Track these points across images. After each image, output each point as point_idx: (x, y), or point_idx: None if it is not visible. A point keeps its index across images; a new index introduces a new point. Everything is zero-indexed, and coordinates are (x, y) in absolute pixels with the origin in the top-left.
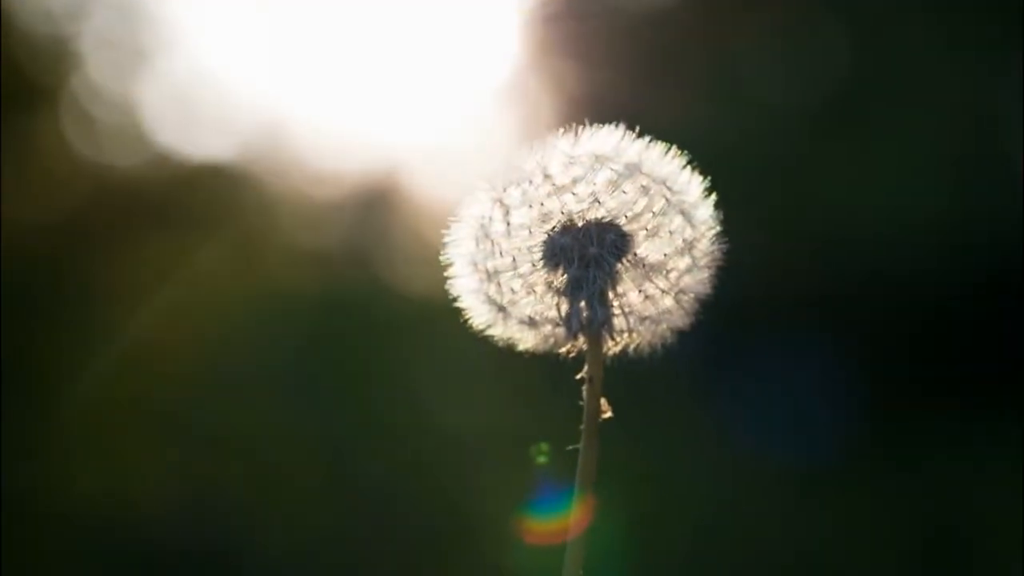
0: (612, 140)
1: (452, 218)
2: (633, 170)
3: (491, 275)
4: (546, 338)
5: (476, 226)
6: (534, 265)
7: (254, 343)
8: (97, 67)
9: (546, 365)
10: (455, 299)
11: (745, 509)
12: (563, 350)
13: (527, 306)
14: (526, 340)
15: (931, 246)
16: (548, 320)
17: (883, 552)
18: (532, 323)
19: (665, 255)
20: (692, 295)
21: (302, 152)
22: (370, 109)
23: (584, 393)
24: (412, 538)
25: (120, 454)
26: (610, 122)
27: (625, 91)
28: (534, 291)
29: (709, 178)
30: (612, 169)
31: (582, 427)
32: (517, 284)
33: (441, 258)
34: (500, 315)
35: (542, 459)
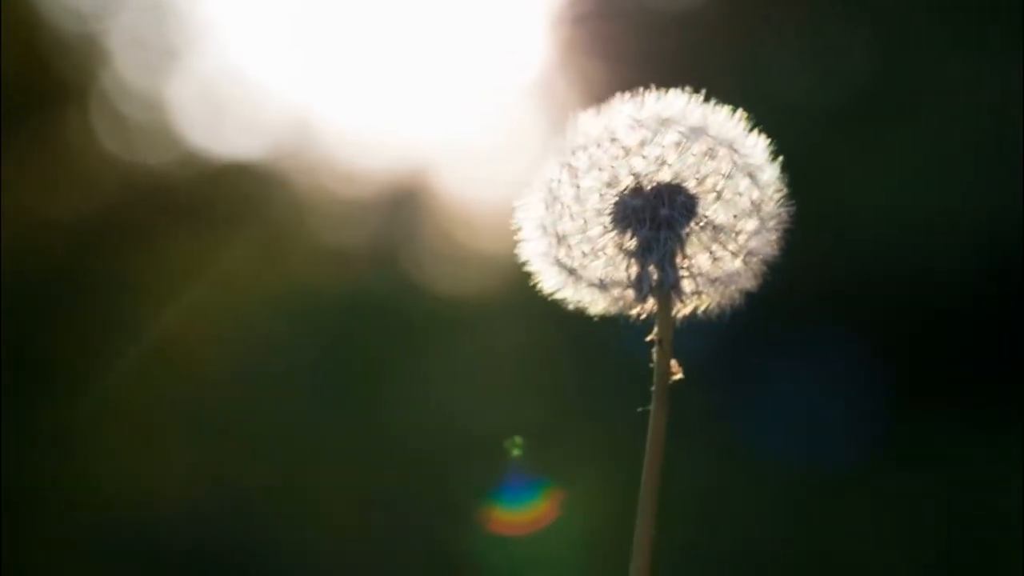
0: (677, 103)
1: (523, 185)
2: (699, 132)
3: (561, 239)
4: (616, 301)
5: (545, 190)
6: (604, 228)
7: (279, 341)
8: (126, 65)
9: (572, 365)
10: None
11: (763, 510)
12: (633, 313)
13: (597, 269)
14: (596, 303)
15: (953, 245)
16: (618, 283)
17: (905, 554)
18: (602, 286)
19: (733, 217)
20: (760, 257)
21: (330, 151)
22: (398, 108)
23: (654, 355)
24: (432, 539)
25: (142, 452)
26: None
27: (651, 90)
28: (604, 254)
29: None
30: (678, 132)
31: (652, 389)
32: (587, 247)
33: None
34: (570, 279)
35: (516, 452)
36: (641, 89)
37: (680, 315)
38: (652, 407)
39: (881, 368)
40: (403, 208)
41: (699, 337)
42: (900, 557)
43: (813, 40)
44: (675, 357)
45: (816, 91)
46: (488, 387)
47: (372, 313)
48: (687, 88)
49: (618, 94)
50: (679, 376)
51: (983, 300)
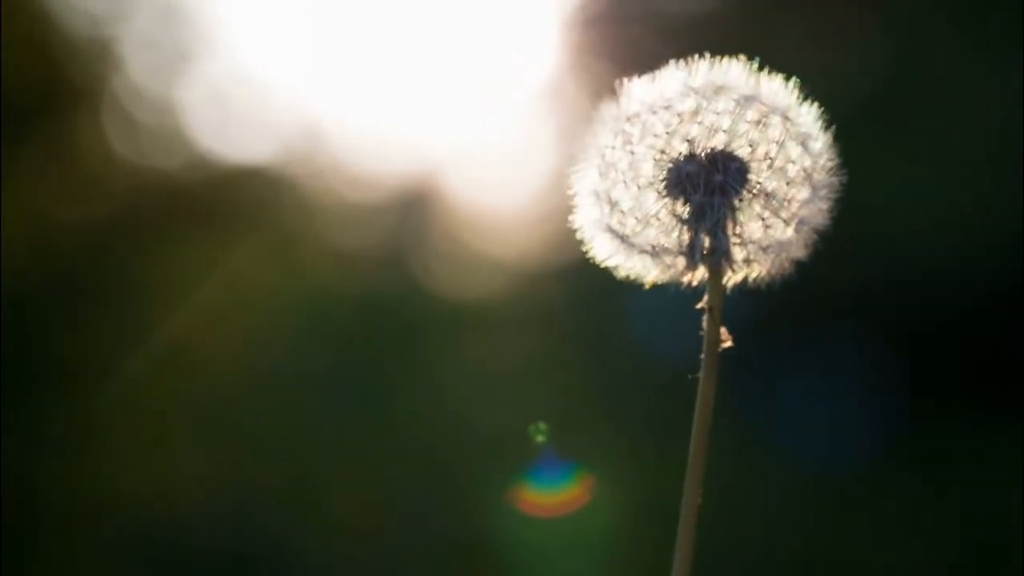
0: (731, 71)
1: (577, 151)
2: (752, 100)
3: (614, 205)
4: (667, 268)
5: (599, 157)
6: (658, 194)
7: (290, 344)
8: (138, 69)
9: (579, 365)
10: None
11: (773, 510)
12: (684, 280)
13: (650, 236)
14: (648, 271)
15: (966, 246)
16: (670, 250)
17: (917, 556)
18: (654, 253)
19: (785, 185)
20: (811, 226)
21: (340, 155)
22: (408, 112)
23: (704, 323)
24: (447, 542)
25: (156, 454)
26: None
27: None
28: (657, 220)
29: None
30: (732, 99)
31: (702, 356)
32: (640, 214)
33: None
34: (622, 246)
35: (540, 438)
36: (695, 56)
37: (730, 283)
38: (701, 375)
39: (893, 369)
40: (413, 211)
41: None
42: (912, 558)
43: (823, 44)
44: (723, 326)
45: (827, 94)
46: (497, 388)
47: (382, 316)
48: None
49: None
50: (728, 344)
51: (996, 301)
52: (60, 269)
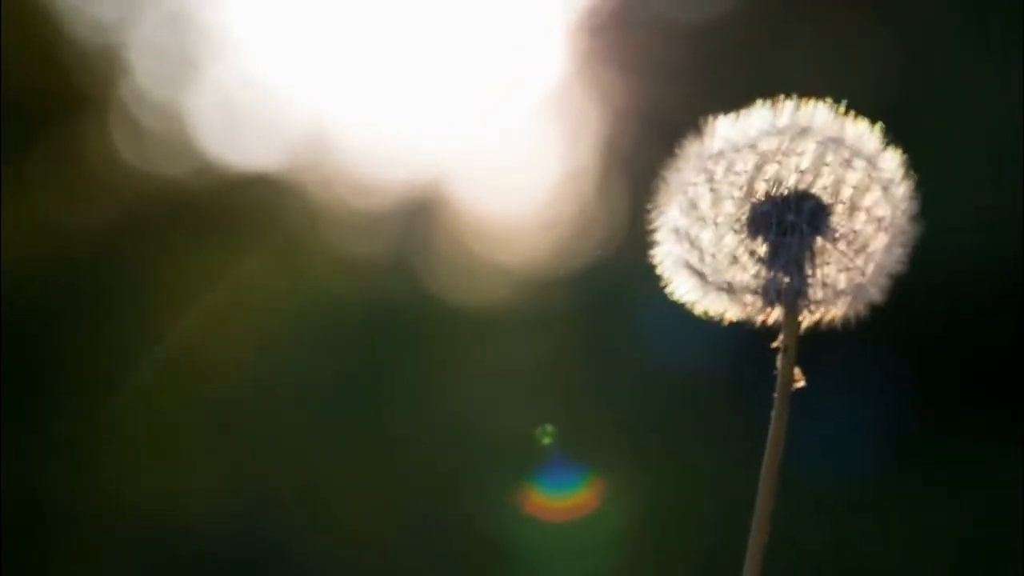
0: (817, 113)
1: (660, 185)
2: (836, 143)
3: (694, 242)
4: (744, 307)
5: (681, 194)
6: (737, 233)
7: (297, 351)
8: (145, 76)
9: (586, 372)
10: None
11: (786, 518)
12: (760, 319)
13: (728, 274)
14: (726, 309)
15: (980, 253)
16: (747, 289)
17: (930, 564)
18: (732, 291)
19: (864, 229)
20: (887, 271)
21: (346, 161)
22: (414, 119)
23: (778, 362)
24: (454, 548)
25: (162, 460)
26: (654, 132)
27: (671, 102)
28: (736, 259)
29: None
30: (815, 141)
31: (775, 395)
32: (719, 252)
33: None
34: (701, 283)
35: (547, 440)
36: (772, 98)
37: (805, 323)
38: (774, 414)
39: (902, 375)
40: (419, 218)
41: (721, 348)
42: (923, 565)
43: (832, 49)
44: (797, 365)
45: (836, 100)
46: (504, 394)
47: (388, 322)
48: (707, 95)
49: (639, 106)
50: (802, 383)
51: (1006, 307)
52: (65, 275)
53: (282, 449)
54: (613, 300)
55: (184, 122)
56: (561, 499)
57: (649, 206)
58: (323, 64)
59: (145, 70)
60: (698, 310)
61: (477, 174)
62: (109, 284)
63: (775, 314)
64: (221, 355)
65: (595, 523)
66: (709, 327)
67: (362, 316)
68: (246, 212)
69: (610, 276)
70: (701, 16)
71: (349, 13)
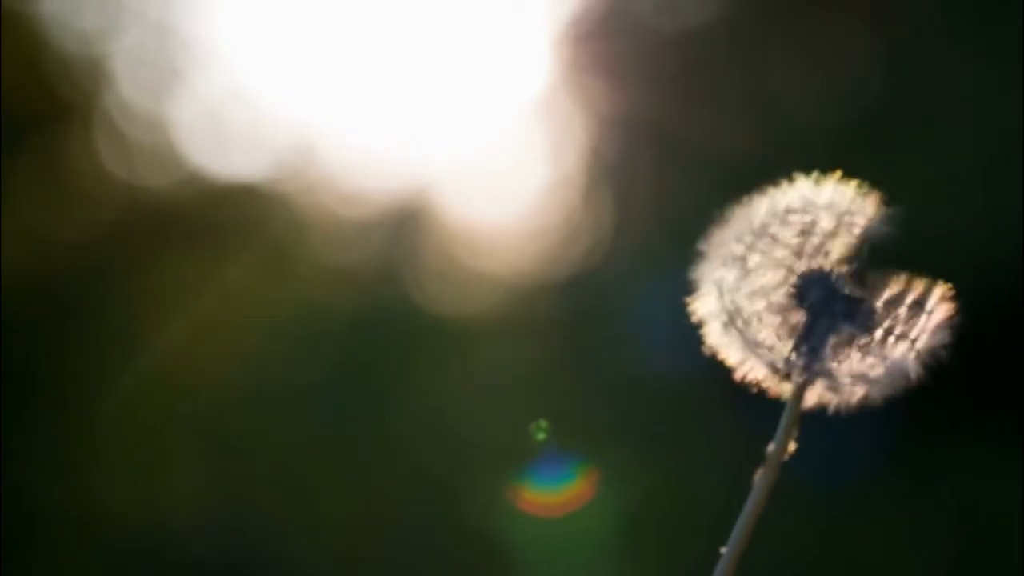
0: (848, 193)
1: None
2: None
3: (736, 307)
4: (768, 375)
5: (713, 279)
6: (765, 311)
7: (284, 360)
8: (130, 86)
9: (574, 381)
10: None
11: (775, 526)
12: (775, 390)
13: (759, 339)
14: (751, 371)
15: (969, 263)
16: (769, 359)
17: (925, 572)
18: (759, 355)
19: (895, 331)
20: (906, 371)
21: (333, 171)
22: (400, 128)
23: (775, 439)
24: (441, 560)
25: (150, 470)
26: (642, 139)
27: (657, 109)
28: (768, 327)
29: (739, 195)
30: (853, 227)
31: (760, 473)
32: (755, 317)
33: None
34: (735, 341)
35: (541, 436)
36: (759, 106)
37: (812, 404)
38: (759, 476)
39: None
40: (405, 227)
41: (707, 357)
42: (921, 574)
43: (820, 56)
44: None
45: (824, 109)
46: (491, 402)
47: (375, 331)
48: (693, 103)
49: (624, 113)
50: (792, 451)
51: (1006, 312)
52: (50, 284)
53: (269, 458)
54: (600, 307)
55: (169, 132)
56: (553, 495)
57: (690, 254)
58: (308, 73)
59: (129, 80)
60: (728, 363)
61: (463, 183)
62: (94, 294)
63: (787, 388)
64: (207, 364)
65: (584, 523)
66: (697, 334)
67: (348, 325)
68: (232, 222)
69: (597, 283)
70: (687, 24)
71: (334, 22)
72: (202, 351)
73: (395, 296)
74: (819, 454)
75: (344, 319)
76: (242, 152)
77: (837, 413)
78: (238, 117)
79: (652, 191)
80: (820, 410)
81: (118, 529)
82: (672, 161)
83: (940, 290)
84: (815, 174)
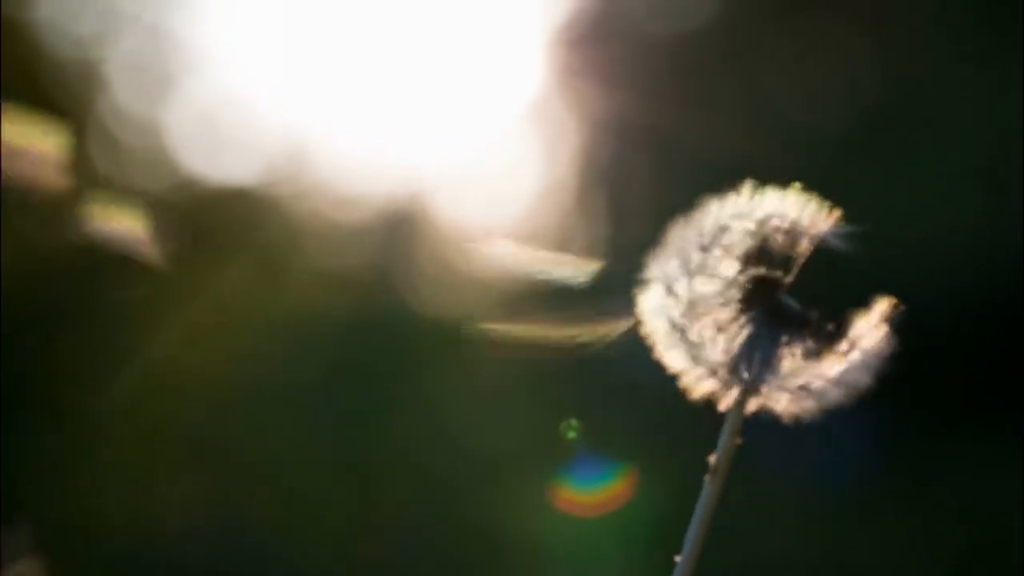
0: (803, 205)
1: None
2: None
3: (674, 328)
4: (704, 383)
5: (662, 284)
6: (710, 319)
7: (279, 366)
8: (124, 90)
9: (570, 386)
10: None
11: (768, 529)
12: (719, 401)
13: (704, 343)
14: (691, 374)
15: (969, 263)
16: (711, 366)
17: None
18: (698, 363)
19: (837, 334)
20: (852, 382)
21: (326, 175)
22: (394, 132)
23: (720, 441)
24: (440, 563)
25: (145, 474)
26: (637, 143)
27: (651, 113)
28: (705, 345)
29: (735, 199)
30: (802, 236)
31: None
32: (695, 336)
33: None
34: (679, 343)
35: (572, 435)
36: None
37: (756, 411)
38: (709, 479)
39: (891, 383)
40: (399, 231)
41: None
42: (920, 574)
43: (818, 59)
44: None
45: (821, 111)
46: (486, 407)
47: (370, 336)
48: (687, 106)
49: (618, 117)
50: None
51: (1004, 312)
52: (43, 292)
53: (263, 463)
54: (593, 311)
55: (163, 136)
56: (590, 495)
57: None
58: (302, 77)
59: (123, 85)
60: (667, 364)
61: (457, 187)
62: (87, 300)
63: (730, 398)
64: (201, 368)
65: (592, 529)
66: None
67: (343, 330)
68: (226, 226)
69: (590, 287)
70: (680, 28)
71: (328, 26)
72: (196, 355)
73: (390, 300)
74: (818, 455)
75: (338, 325)
76: (236, 156)
77: (818, 417)
78: (232, 121)
79: (647, 195)
80: (819, 410)
81: (114, 534)
82: (667, 165)
83: (885, 303)
84: (797, 181)
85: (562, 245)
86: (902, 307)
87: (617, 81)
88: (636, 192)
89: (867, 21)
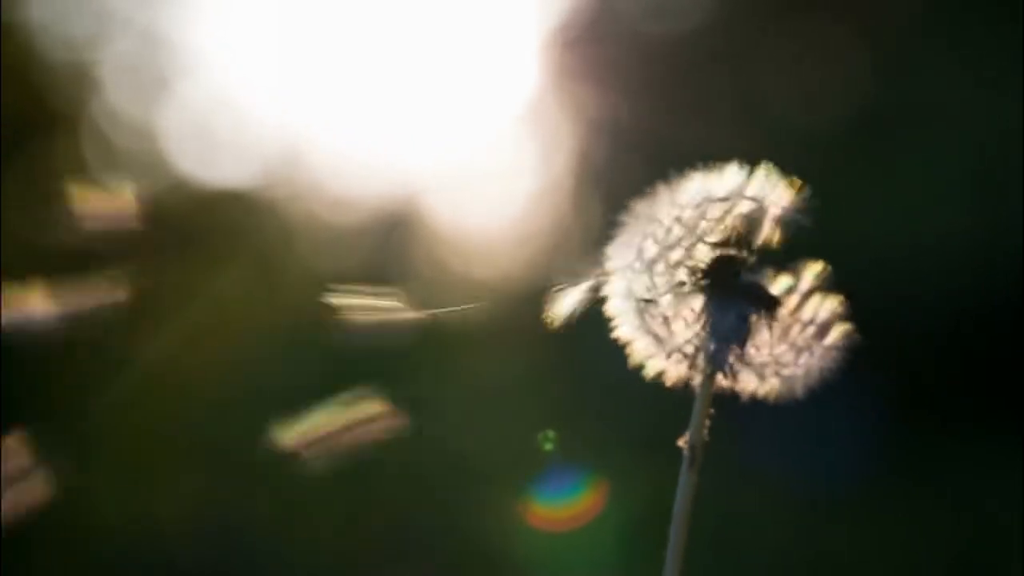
0: (767, 183)
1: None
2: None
3: (639, 308)
4: (672, 361)
5: (627, 261)
6: (674, 299)
7: (274, 368)
8: (118, 93)
9: (565, 389)
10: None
11: (767, 530)
12: (684, 383)
13: (666, 340)
14: (652, 357)
15: (959, 268)
16: (679, 353)
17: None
18: (661, 345)
19: (806, 318)
20: (819, 364)
21: (321, 177)
22: (388, 134)
23: (691, 425)
24: (434, 566)
25: (140, 478)
26: (631, 144)
27: (646, 115)
28: (670, 325)
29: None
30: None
31: (684, 457)
32: (660, 317)
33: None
34: (641, 327)
35: (548, 446)
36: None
37: (722, 390)
38: (684, 469)
39: (888, 385)
40: (394, 233)
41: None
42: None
43: (814, 60)
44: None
45: (818, 111)
46: (481, 408)
47: (364, 339)
48: (682, 108)
49: (613, 118)
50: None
51: (1001, 312)
52: (37, 293)
53: (260, 466)
54: (590, 313)
55: (158, 139)
56: (558, 509)
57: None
58: (296, 79)
59: (118, 88)
60: (632, 350)
61: (452, 188)
62: (81, 302)
63: (697, 378)
64: (197, 370)
65: (588, 534)
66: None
67: (338, 332)
68: (221, 228)
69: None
70: (675, 29)
71: (322, 28)
72: (192, 357)
73: (385, 302)
74: (818, 454)
75: (333, 326)
76: (231, 159)
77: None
78: (226, 124)
79: (641, 195)
80: (820, 411)
81: (114, 534)
82: (661, 165)
83: (816, 268)
84: (792, 175)
85: (558, 245)
86: (830, 270)
87: (612, 82)
88: (631, 192)
89: (864, 23)
